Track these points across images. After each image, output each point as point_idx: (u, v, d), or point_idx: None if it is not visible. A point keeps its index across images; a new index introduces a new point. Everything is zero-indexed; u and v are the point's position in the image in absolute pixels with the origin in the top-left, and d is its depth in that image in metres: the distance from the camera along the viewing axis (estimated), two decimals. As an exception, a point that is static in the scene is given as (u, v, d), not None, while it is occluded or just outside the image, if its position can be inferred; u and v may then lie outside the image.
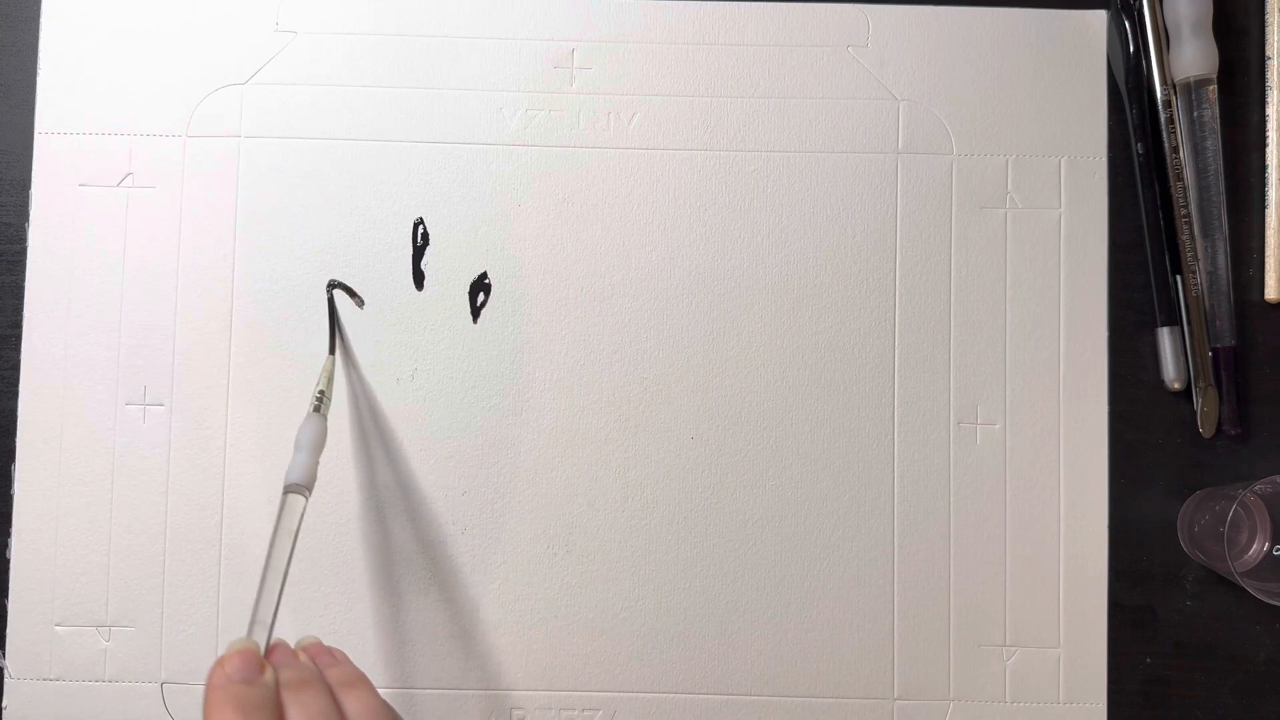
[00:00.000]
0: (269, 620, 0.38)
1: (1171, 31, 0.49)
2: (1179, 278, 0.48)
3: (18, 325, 0.48)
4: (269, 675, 0.36)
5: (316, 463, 0.42)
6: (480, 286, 0.48)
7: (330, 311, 0.47)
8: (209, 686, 0.35)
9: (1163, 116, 0.49)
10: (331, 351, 0.47)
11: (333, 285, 0.47)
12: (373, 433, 0.48)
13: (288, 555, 0.39)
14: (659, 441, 0.48)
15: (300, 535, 0.39)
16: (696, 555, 0.47)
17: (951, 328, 0.48)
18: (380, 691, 0.47)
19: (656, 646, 0.47)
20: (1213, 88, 0.48)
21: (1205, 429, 0.48)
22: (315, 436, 0.43)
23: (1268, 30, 0.50)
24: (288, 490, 0.41)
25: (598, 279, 0.48)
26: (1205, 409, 0.48)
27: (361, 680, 0.38)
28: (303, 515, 0.41)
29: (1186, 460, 0.48)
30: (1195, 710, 0.48)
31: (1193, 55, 0.48)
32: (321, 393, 0.44)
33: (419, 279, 0.48)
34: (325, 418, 0.44)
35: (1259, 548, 0.47)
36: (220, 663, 0.35)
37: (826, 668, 0.47)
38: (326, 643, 0.47)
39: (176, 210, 0.48)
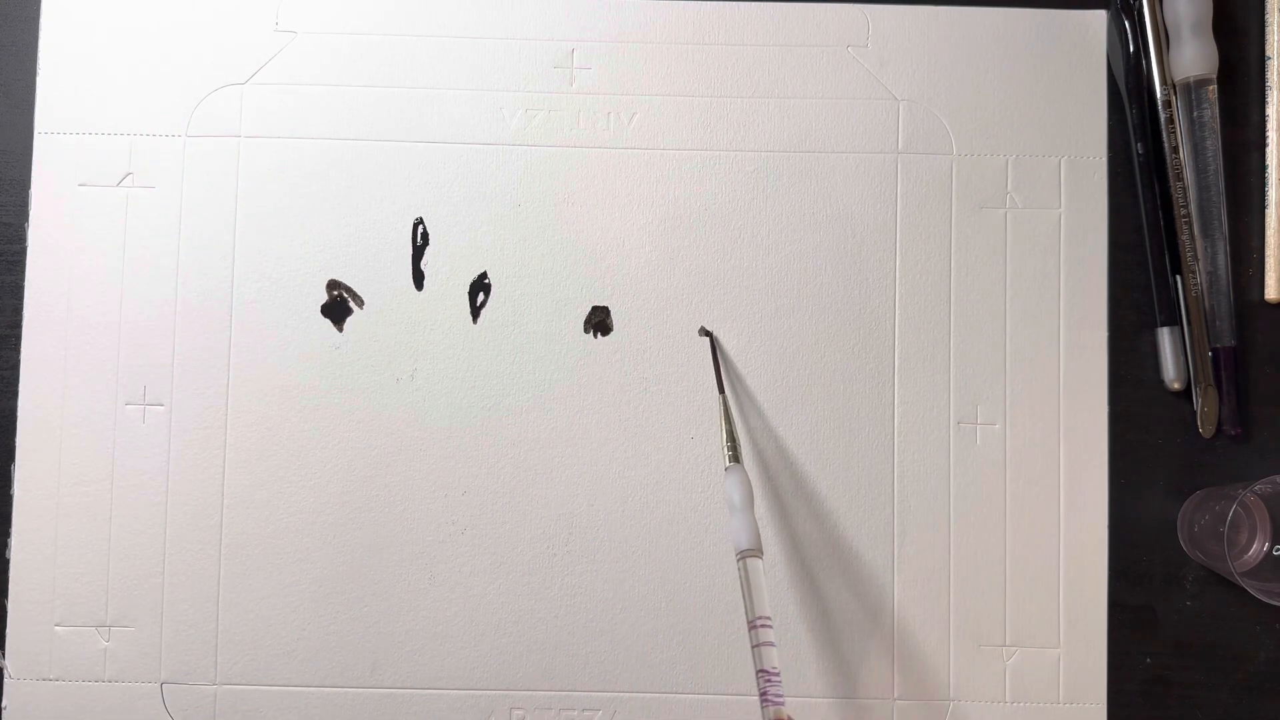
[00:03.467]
0: (782, 696, 0.39)
1: (1171, 31, 0.49)
2: (1179, 278, 0.48)
3: (17, 325, 0.48)
4: None
5: (754, 519, 0.42)
6: (480, 286, 0.48)
7: (713, 350, 0.47)
8: None
9: (1163, 116, 0.49)
10: (721, 391, 0.46)
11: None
12: (374, 431, 0.48)
13: (767, 617, 0.40)
14: (659, 441, 0.48)
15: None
16: (696, 555, 0.47)
17: (951, 328, 0.48)
18: (380, 692, 0.47)
19: (656, 646, 0.47)
20: (1213, 88, 0.48)
21: (1205, 429, 0.48)
22: (745, 491, 0.43)
23: (1268, 30, 0.50)
24: (744, 556, 0.41)
25: (598, 279, 0.48)
26: (1205, 409, 0.48)
27: None
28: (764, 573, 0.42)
29: (1186, 460, 0.48)
30: (1195, 710, 0.48)
31: (1193, 55, 0.48)
32: (733, 440, 0.45)
33: (419, 279, 0.48)
34: (742, 464, 0.44)
35: (1259, 548, 0.47)
36: None
37: (826, 668, 0.47)
38: (327, 642, 0.47)
39: (176, 210, 0.48)
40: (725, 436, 0.45)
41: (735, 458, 0.44)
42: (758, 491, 0.47)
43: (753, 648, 0.40)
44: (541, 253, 0.48)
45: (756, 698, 0.39)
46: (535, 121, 0.49)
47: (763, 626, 0.39)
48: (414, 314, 0.48)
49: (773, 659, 0.39)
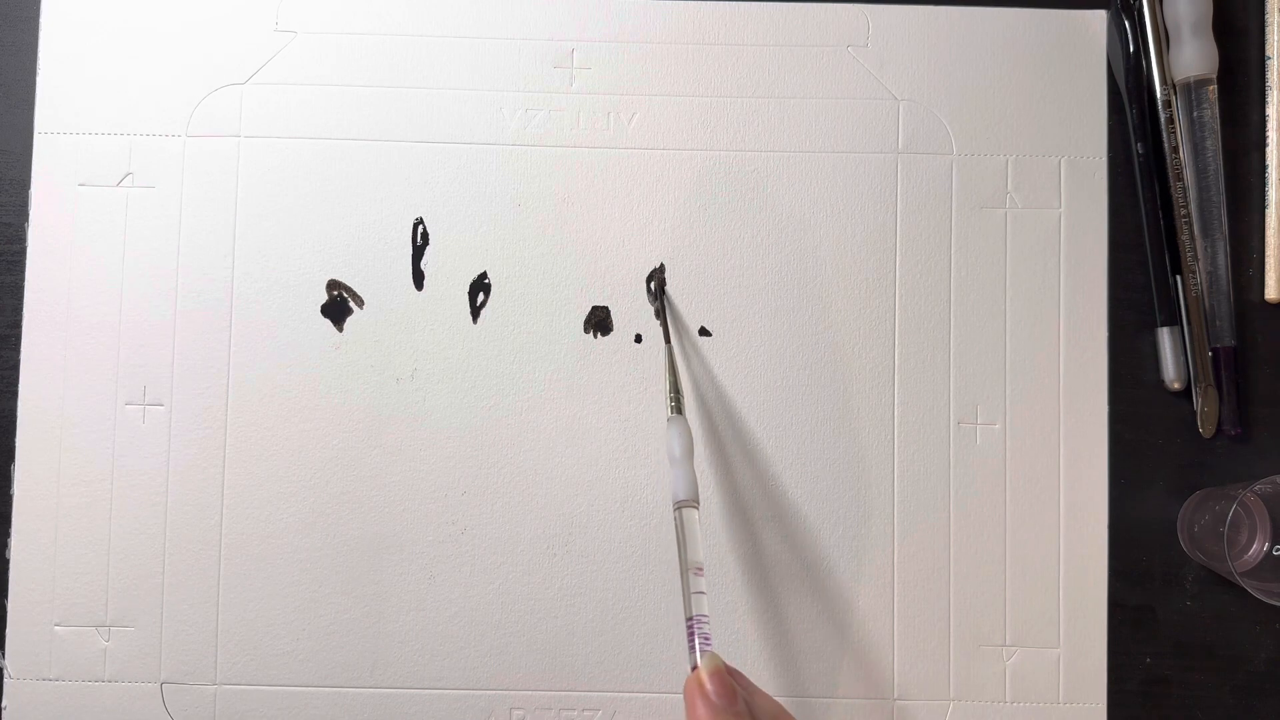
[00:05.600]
0: (710, 637, 0.38)
1: (1171, 31, 0.49)
2: (1179, 278, 0.48)
3: (17, 325, 0.48)
4: (741, 705, 0.36)
5: (693, 470, 0.42)
6: (480, 286, 0.48)
7: (659, 300, 0.47)
8: (696, 707, 0.36)
9: (1163, 116, 0.49)
10: (667, 341, 0.46)
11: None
12: (374, 431, 0.48)
13: (700, 566, 0.40)
14: (659, 441, 0.48)
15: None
16: (696, 555, 0.47)
17: (951, 328, 0.48)
18: (381, 692, 0.47)
19: (656, 646, 0.47)
20: (1213, 88, 0.48)
21: (1205, 429, 0.48)
22: (686, 443, 0.42)
23: (1268, 30, 0.50)
24: (680, 507, 0.41)
25: (598, 279, 0.48)
26: (1205, 409, 0.48)
27: (785, 712, 0.38)
28: (699, 524, 0.41)
29: (1186, 460, 0.48)
30: (1195, 710, 0.48)
31: (1193, 55, 0.48)
32: (676, 391, 0.44)
33: (419, 279, 0.48)
34: (685, 416, 0.44)
35: (1259, 548, 0.47)
36: (698, 683, 0.36)
37: (826, 668, 0.47)
38: (327, 642, 0.47)
39: (176, 210, 0.48)
40: (669, 388, 0.45)
41: (678, 409, 0.44)
42: (755, 490, 0.47)
43: (689, 594, 0.39)
44: (541, 253, 0.48)
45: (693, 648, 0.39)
46: (535, 121, 0.49)
47: (696, 575, 0.39)
48: (414, 314, 0.48)
49: (703, 606, 0.39)
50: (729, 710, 0.35)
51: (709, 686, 0.36)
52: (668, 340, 0.47)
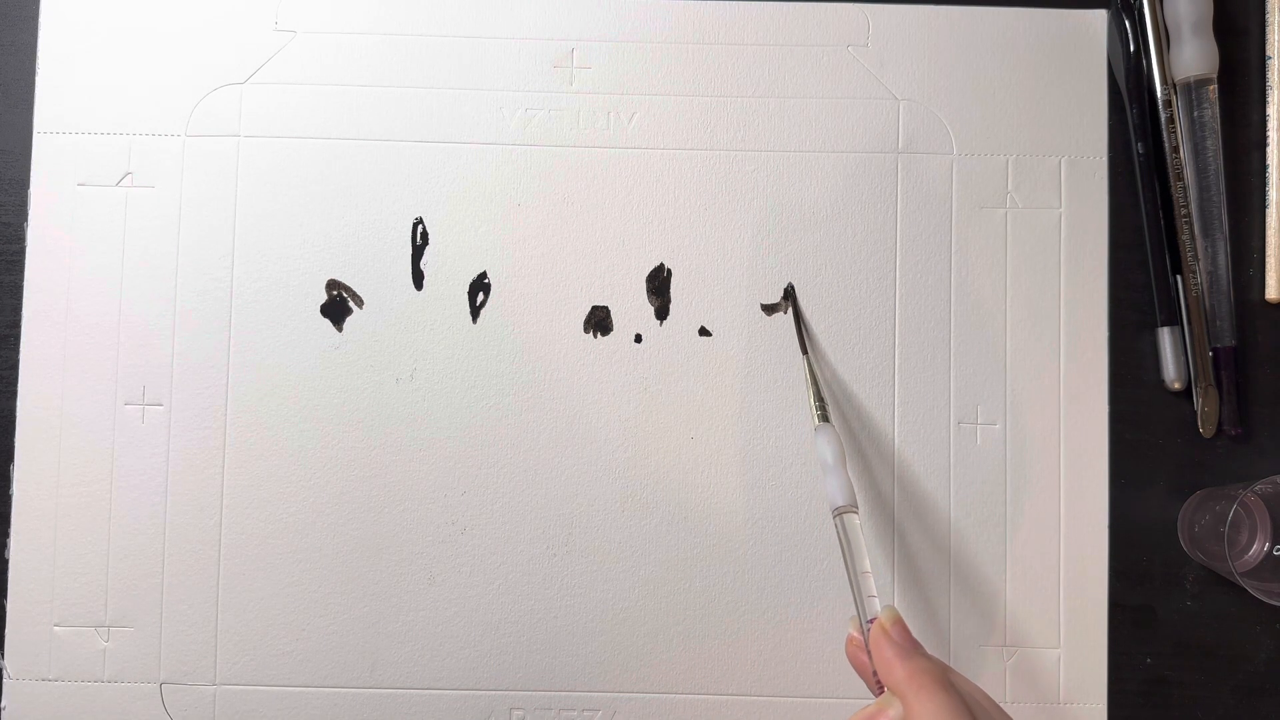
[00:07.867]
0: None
1: (1172, 31, 0.49)
2: (1179, 278, 0.48)
3: (16, 325, 0.48)
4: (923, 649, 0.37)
5: (848, 475, 0.42)
6: (480, 286, 0.48)
7: (795, 311, 0.47)
8: (883, 649, 0.37)
9: (1163, 116, 0.49)
10: (804, 352, 0.47)
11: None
12: (374, 431, 0.48)
13: (868, 570, 0.40)
14: (659, 441, 0.48)
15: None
16: (696, 555, 0.47)
17: (951, 328, 0.48)
18: (381, 692, 0.47)
19: (656, 646, 0.47)
20: (1213, 87, 0.48)
21: (1205, 429, 0.48)
22: (838, 449, 0.43)
23: (1268, 30, 0.50)
24: (840, 513, 0.41)
25: (598, 279, 0.48)
26: (1205, 409, 0.48)
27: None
28: (861, 529, 0.41)
29: (1186, 460, 0.48)
30: (1195, 710, 0.48)
31: (1193, 55, 0.48)
32: (821, 400, 0.45)
33: (418, 279, 0.48)
34: (832, 423, 0.44)
35: (1259, 548, 0.47)
36: (882, 630, 0.37)
37: (826, 668, 0.47)
38: (327, 642, 0.47)
39: (176, 210, 0.48)
40: (812, 396, 0.45)
41: (824, 416, 0.45)
42: (755, 490, 0.47)
43: (863, 598, 0.39)
44: (541, 253, 0.48)
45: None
46: (535, 121, 0.49)
47: (865, 578, 0.40)
48: (414, 314, 0.48)
49: (877, 609, 0.39)
50: (917, 651, 0.37)
51: (894, 634, 0.37)
52: (804, 350, 0.47)
